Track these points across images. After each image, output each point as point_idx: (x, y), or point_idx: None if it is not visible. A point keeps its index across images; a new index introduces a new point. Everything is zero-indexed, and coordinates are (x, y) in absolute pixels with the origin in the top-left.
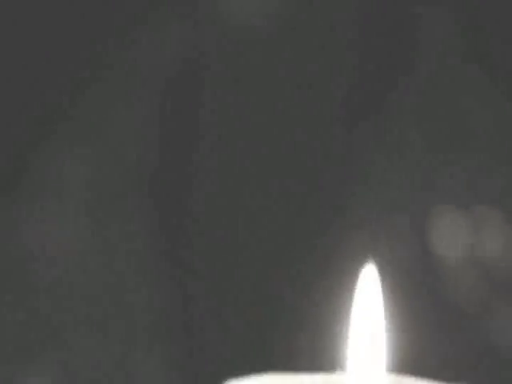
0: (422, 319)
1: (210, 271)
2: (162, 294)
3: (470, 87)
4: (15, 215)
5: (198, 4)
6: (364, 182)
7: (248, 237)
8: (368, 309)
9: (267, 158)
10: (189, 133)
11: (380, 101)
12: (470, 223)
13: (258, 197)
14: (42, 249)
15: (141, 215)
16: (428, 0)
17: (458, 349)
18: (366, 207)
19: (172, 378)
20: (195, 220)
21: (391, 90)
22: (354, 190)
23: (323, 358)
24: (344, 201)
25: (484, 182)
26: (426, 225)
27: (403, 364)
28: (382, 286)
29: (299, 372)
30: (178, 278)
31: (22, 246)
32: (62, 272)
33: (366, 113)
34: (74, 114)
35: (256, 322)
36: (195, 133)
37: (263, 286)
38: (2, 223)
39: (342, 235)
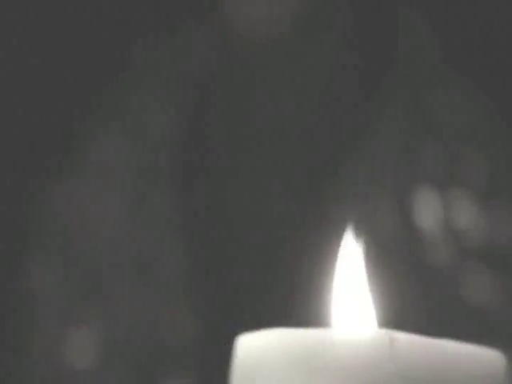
0: (401, 280)
1: (221, 241)
2: (188, 259)
3: (444, 83)
4: (63, 190)
5: (214, 22)
6: (349, 161)
7: (248, 216)
8: (351, 271)
9: (266, 149)
10: (202, 133)
11: (369, 92)
12: (443, 198)
13: (255, 186)
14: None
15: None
16: (408, 7)
17: (434, 303)
18: (350, 183)
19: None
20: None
21: (378, 84)
22: (338, 168)
23: (313, 315)
24: (330, 177)
25: (456, 165)
26: (405, 198)
27: (387, 320)
28: (364, 251)
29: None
30: (198, 248)
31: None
32: (105, 239)
33: (356, 102)
34: (111, 111)
35: (258, 285)
36: (208, 133)
37: (263, 257)
38: (50, 198)
39: (328, 206)
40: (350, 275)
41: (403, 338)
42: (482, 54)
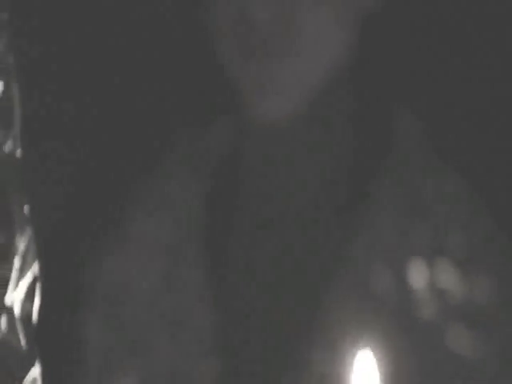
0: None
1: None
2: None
3: (432, 172)
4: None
5: (235, 111)
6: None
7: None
8: None
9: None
10: (229, 204)
11: (366, 178)
12: (431, 266)
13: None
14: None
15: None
16: (402, 111)
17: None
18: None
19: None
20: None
21: (376, 171)
22: (341, 241)
23: None
24: (334, 251)
25: (441, 240)
26: (401, 266)
27: None
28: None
29: None
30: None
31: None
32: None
33: (356, 186)
34: (148, 196)
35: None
36: (234, 203)
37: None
38: (100, 268)
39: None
40: None
41: None
42: (465, 150)
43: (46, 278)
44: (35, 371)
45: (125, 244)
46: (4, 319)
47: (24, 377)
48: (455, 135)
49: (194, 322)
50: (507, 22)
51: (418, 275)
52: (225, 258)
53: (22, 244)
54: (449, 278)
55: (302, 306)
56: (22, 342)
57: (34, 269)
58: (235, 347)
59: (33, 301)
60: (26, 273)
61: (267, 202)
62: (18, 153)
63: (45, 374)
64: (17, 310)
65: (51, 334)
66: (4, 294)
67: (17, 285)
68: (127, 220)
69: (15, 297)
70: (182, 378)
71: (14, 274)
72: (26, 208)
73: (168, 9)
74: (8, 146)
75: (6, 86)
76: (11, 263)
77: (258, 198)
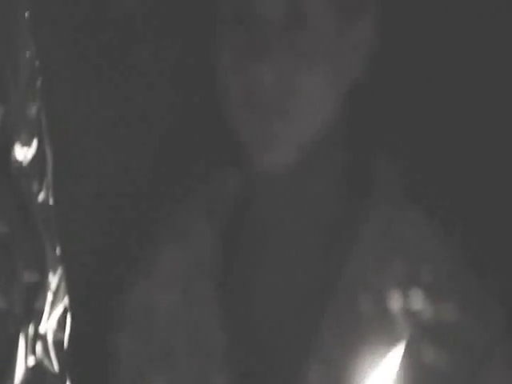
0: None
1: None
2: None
3: (406, 213)
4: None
5: (243, 163)
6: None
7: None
8: None
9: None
10: (238, 241)
11: (351, 219)
12: (406, 293)
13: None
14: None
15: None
16: (381, 159)
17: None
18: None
19: None
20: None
21: (358, 213)
22: (327, 266)
23: None
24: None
25: (415, 269)
26: (382, 294)
27: None
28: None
29: None
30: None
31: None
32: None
33: (342, 226)
34: (169, 230)
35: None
36: (242, 242)
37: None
38: (130, 294)
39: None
40: None
41: None
42: (435, 191)
43: (75, 311)
44: None
45: (150, 274)
46: (39, 346)
47: None
48: (426, 178)
49: (207, 339)
50: (471, 72)
51: (394, 300)
52: (233, 286)
53: (54, 281)
54: (420, 302)
55: (301, 327)
56: (55, 365)
57: (65, 302)
58: (243, 362)
59: (64, 330)
60: (57, 305)
61: (270, 239)
62: (51, 201)
63: None
64: (50, 338)
65: (80, 358)
66: (39, 324)
67: (50, 316)
68: (152, 254)
69: (48, 326)
70: None
71: (47, 307)
72: (57, 250)
73: (180, 72)
74: (41, 196)
75: (39, 142)
76: (45, 298)
77: (262, 236)
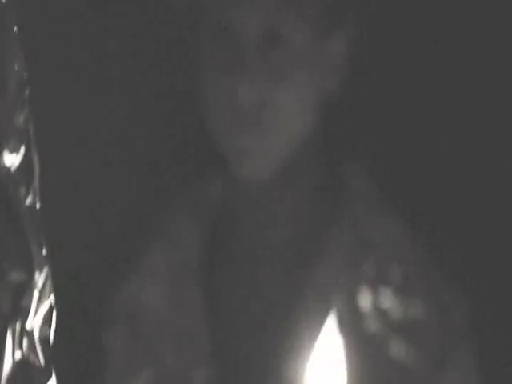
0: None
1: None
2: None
3: (377, 216)
4: None
5: (225, 172)
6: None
7: None
8: None
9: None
10: (222, 241)
11: (327, 222)
12: (375, 291)
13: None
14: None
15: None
16: (353, 170)
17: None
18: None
19: None
20: None
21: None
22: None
23: None
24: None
25: (384, 270)
26: (353, 292)
27: None
28: None
29: None
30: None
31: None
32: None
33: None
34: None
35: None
36: (225, 240)
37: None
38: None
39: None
40: None
41: None
42: (403, 197)
43: (60, 308)
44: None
45: (138, 273)
46: (25, 341)
47: None
48: (396, 186)
49: (191, 335)
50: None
51: (365, 298)
52: (216, 284)
53: (40, 280)
54: (389, 300)
55: (276, 322)
56: (41, 360)
57: (51, 300)
58: (225, 356)
59: (50, 326)
60: (43, 303)
61: (249, 241)
62: (37, 205)
63: None
64: (36, 334)
65: (65, 353)
66: (26, 320)
67: (36, 313)
68: (140, 254)
69: (34, 323)
70: (183, 382)
71: (34, 304)
72: (43, 251)
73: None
74: (28, 200)
75: (27, 149)
76: (31, 295)
77: (242, 238)
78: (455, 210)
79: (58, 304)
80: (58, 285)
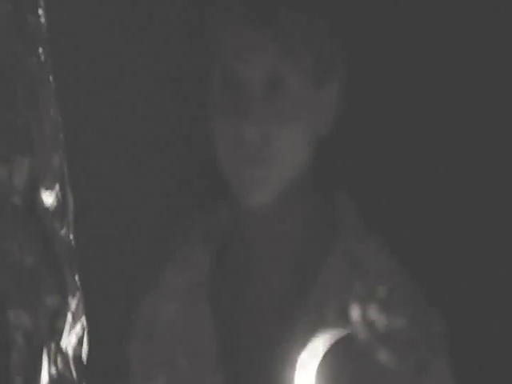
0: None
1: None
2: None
3: (365, 241)
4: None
5: (231, 201)
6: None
7: None
8: None
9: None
10: (229, 261)
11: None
12: (364, 306)
13: None
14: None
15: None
16: (345, 201)
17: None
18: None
19: None
20: None
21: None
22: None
23: None
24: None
25: (371, 288)
26: (346, 308)
27: None
28: None
29: None
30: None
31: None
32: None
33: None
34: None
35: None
36: (232, 261)
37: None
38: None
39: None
40: None
41: None
42: (389, 223)
43: (91, 329)
44: None
45: (155, 292)
46: (60, 359)
47: None
48: (383, 216)
49: (202, 346)
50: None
51: (355, 312)
52: (224, 301)
53: (73, 304)
54: (375, 314)
55: (278, 335)
56: (75, 376)
57: (83, 321)
58: (233, 365)
59: (82, 345)
60: (76, 325)
61: (252, 263)
62: (71, 236)
63: None
64: (70, 353)
65: (96, 370)
66: (60, 340)
67: (69, 334)
68: (158, 275)
69: (68, 343)
70: None
71: (67, 326)
72: (76, 277)
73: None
74: (63, 232)
75: (61, 187)
76: (65, 318)
77: (246, 260)
78: (435, 240)
79: (89, 325)
80: (88, 308)
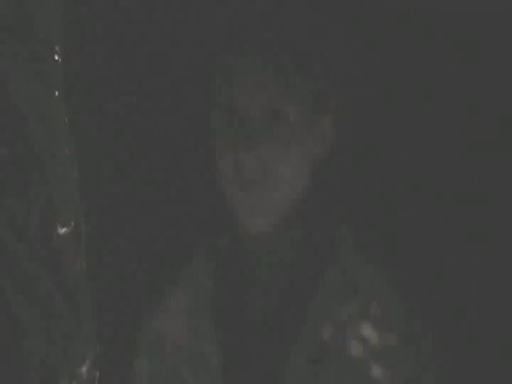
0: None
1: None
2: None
3: (359, 264)
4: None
5: (233, 227)
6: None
7: None
8: None
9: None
10: (231, 284)
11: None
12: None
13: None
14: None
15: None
16: (341, 225)
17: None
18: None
19: None
20: None
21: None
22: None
23: None
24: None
25: (365, 307)
26: (347, 325)
27: None
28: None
29: None
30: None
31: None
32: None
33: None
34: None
35: None
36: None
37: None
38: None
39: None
40: None
41: None
42: (384, 250)
43: (105, 353)
44: None
45: (162, 311)
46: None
47: None
48: (377, 240)
49: (207, 361)
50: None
51: (350, 329)
52: (226, 319)
53: (86, 328)
54: (369, 330)
55: (276, 350)
56: None
57: (96, 346)
58: (235, 376)
59: (96, 369)
60: (90, 349)
61: (253, 284)
62: (84, 266)
63: None
64: (84, 376)
65: None
66: (75, 365)
67: (84, 358)
68: (165, 297)
69: (83, 367)
70: None
71: (82, 350)
72: (89, 303)
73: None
74: (77, 264)
75: (76, 221)
76: (79, 342)
77: (247, 282)
78: (426, 260)
79: (103, 350)
80: (102, 335)
